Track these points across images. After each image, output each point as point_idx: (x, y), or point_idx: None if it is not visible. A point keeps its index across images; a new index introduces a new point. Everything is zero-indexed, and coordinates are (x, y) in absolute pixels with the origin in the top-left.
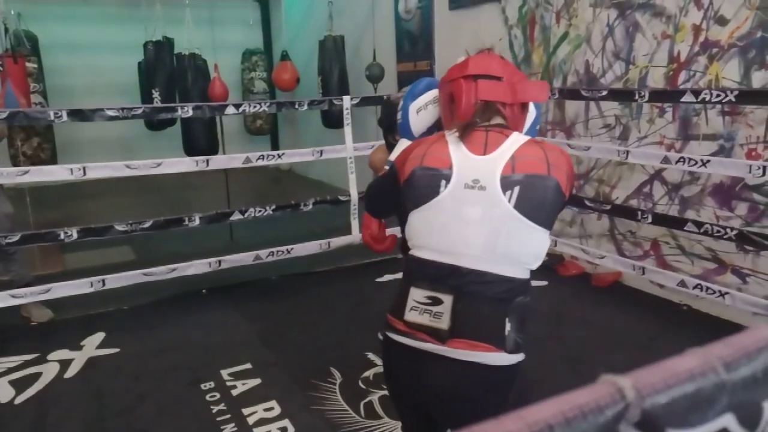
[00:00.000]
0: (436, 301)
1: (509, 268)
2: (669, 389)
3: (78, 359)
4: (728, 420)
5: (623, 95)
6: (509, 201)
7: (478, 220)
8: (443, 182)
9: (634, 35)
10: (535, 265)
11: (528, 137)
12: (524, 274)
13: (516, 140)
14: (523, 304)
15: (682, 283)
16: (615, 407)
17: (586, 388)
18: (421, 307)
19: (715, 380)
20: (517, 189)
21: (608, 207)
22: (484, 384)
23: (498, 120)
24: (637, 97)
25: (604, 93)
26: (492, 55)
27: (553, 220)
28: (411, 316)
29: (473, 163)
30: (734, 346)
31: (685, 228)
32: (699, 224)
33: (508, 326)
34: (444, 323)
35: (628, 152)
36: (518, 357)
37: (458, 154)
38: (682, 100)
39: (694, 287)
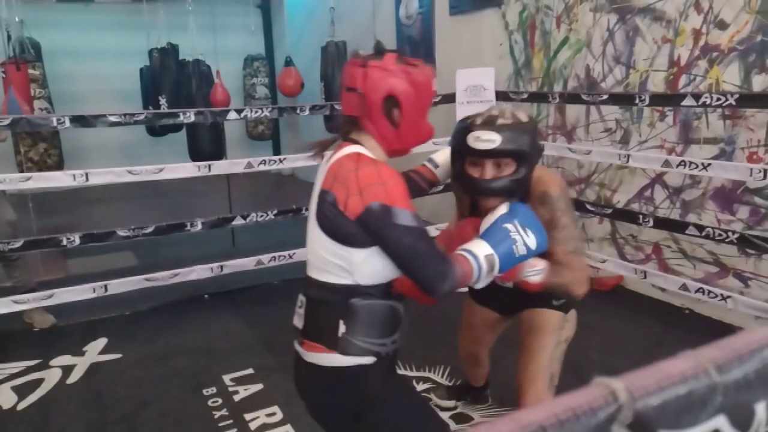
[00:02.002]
0: (301, 304)
1: (328, 276)
2: (661, 391)
3: (80, 365)
4: (720, 422)
5: (624, 99)
6: (314, 213)
7: (309, 230)
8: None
9: (635, 40)
10: (355, 278)
11: (356, 150)
12: (350, 280)
13: (345, 153)
14: (363, 306)
15: (684, 287)
16: (607, 409)
17: (579, 391)
18: (297, 310)
19: (707, 382)
20: (316, 202)
21: (609, 211)
22: (321, 385)
23: (355, 134)
24: (637, 101)
25: (605, 97)
26: (354, 63)
27: (348, 235)
28: (294, 319)
29: (319, 173)
30: (726, 349)
31: (687, 232)
32: (700, 228)
33: (342, 328)
34: (300, 324)
35: (629, 156)
36: (356, 360)
37: (321, 168)
38: (683, 103)
39: (696, 291)
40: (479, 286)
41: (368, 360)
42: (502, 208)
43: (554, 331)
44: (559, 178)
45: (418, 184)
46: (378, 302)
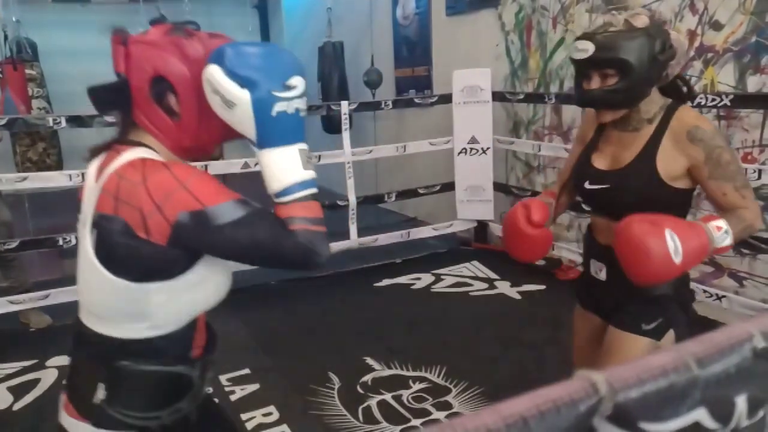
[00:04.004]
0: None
1: (98, 323)
2: (642, 384)
3: None
4: (701, 414)
5: None
6: (91, 245)
7: (81, 271)
8: None
9: None
10: (152, 324)
11: (138, 155)
12: (123, 333)
13: (123, 162)
14: (134, 372)
15: None
16: (588, 401)
17: (561, 383)
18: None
19: (687, 376)
20: (93, 234)
21: None
22: None
23: (134, 133)
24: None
25: None
26: (115, 41)
27: (156, 269)
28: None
29: (87, 193)
30: (707, 343)
31: None
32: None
33: (100, 394)
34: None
35: None
36: None
37: (87, 184)
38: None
39: (700, 292)
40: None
41: None
42: (235, 90)
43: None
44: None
45: None
46: (158, 368)
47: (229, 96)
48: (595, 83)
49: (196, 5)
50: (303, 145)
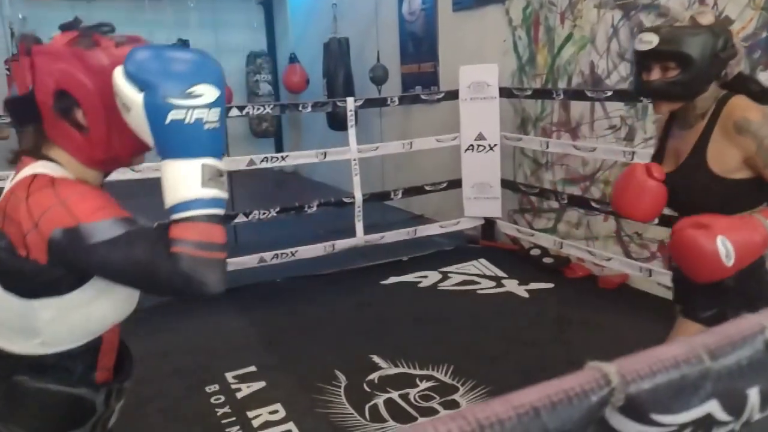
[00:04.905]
0: None
1: (0, 340)
2: (653, 375)
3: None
4: (713, 406)
5: (629, 96)
6: None
7: None
8: None
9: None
10: (42, 341)
11: (34, 171)
12: (17, 348)
13: (18, 178)
14: (26, 387)
15: None
16: (600, 392)
17: (573, 374)
18: None
19: (699, 368)
20: None
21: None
22: None
23: (46, 147)
24: (642, 97)
25: (610, 94)
26: (20, 51)
27: (41, 286)
28: None
29: None
30: (719, 335)
31: None
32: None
33: None
34: None
35: (634, 153)
36: None
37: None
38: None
39: None
40: (227, 193)
41: None
42: (130, 93)
43: None
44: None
45: None
46: (56, 388)
47: (125, 99)
48: (655, 75)
49: (202, 1)
50: (209, 161)
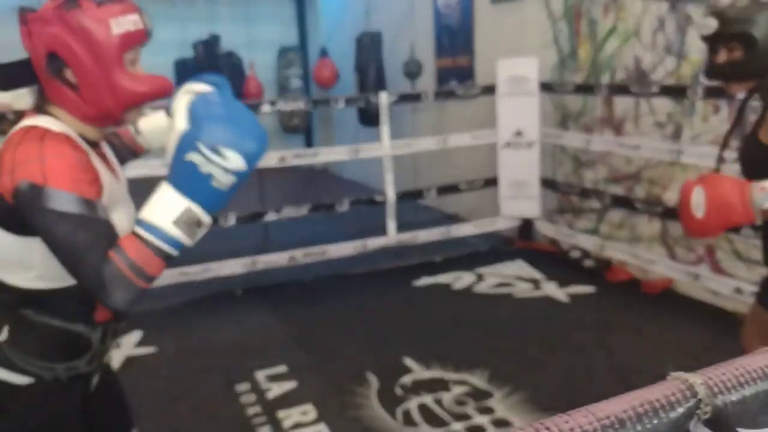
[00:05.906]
0: None
1: (2, 273)
2: (741, 387)
3: (116, 357)
4: None
5: (676, 92)
6: None
7: None
8: None
9: (686, 29)
10: (38, 275)
11: (34, 122)
12: (17, 282)
13: (19, 127)
14: (30, 320)
15: (738, 291)
16: (686, 404)
17: (656, 385)
18: None
19: None
20: None
21: (660, 209)
22: None
23: (48, 105)
24: (690, 94)
25: (655, 89)
26: (20, 20)
27: (17, 222)
28: None
29: None
30: None
31: (741, 232)
32: (756, 228)
33: (3, 335)
34: None
35: (680, 151)
36: (4, 374)
37: None
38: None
39: (751, 295)
40: (192, 243)
41: (21, 380)
42: (180, 120)
43: (756, 330)
44: None
45: (117, 150)
46: (56, 323)
47: (176, 119)
48: (721, 57)
49: None
50: (197, 209)
